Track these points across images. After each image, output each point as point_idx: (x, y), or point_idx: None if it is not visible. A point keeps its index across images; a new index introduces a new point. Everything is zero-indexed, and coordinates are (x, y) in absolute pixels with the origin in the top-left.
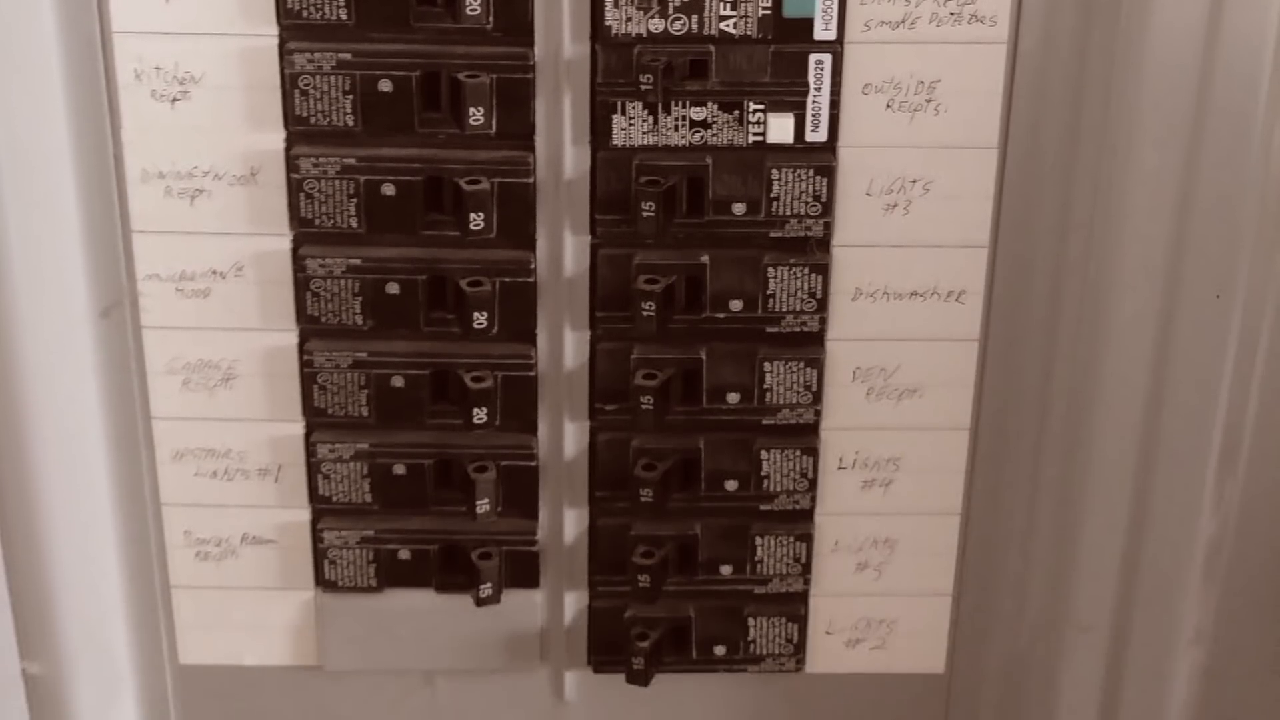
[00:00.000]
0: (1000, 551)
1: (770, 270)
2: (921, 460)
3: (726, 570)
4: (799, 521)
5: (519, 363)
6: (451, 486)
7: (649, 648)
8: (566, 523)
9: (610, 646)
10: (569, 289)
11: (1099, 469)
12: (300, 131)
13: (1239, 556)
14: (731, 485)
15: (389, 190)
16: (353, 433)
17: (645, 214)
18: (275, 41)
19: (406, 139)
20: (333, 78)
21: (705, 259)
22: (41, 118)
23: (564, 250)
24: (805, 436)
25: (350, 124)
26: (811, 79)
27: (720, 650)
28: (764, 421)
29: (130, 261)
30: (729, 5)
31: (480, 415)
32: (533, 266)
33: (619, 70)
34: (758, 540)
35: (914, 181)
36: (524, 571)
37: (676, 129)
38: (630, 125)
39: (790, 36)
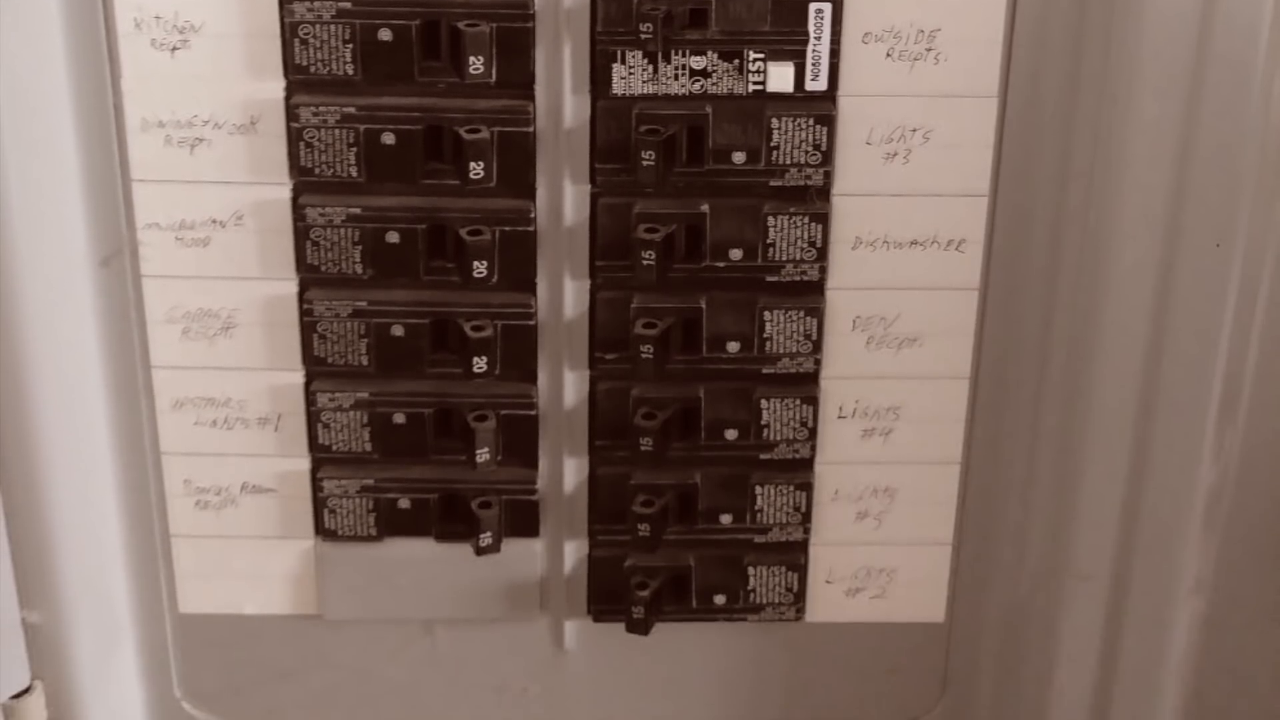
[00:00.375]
0: (1000, 500)
1: (770, 219)
2: (921, 409)
3: (726, 519)
4: (799, 470)
5: (519, 312)
6: (451, 435)
7: (649, 597)
8: (566, 472)
9: (610, 595)
10: (569, 238)
11: (1099, 418)
12: (300, 80)
13: (1239, 505)
14: (731, 434)
15: (389, 139)
16: (353, 382)
17: (645, 163)
18: None
19: (406, 88)
20: (333, 26)
21: (705, 208)
22: (42, 67)
23: (564, 199)
24: (805, 385)
25: (350, 73)
26: (811, 28)
27: (720, 599)
28: (764, 370)
29: (130, 210)
30: None
31: (480, 364)
32: (532, 215)
33: (619, 19)
34: (758, 489)
35: (914, 130)
36: (524, 520)
37: (676, 78)
38: (630, 74)
39: None
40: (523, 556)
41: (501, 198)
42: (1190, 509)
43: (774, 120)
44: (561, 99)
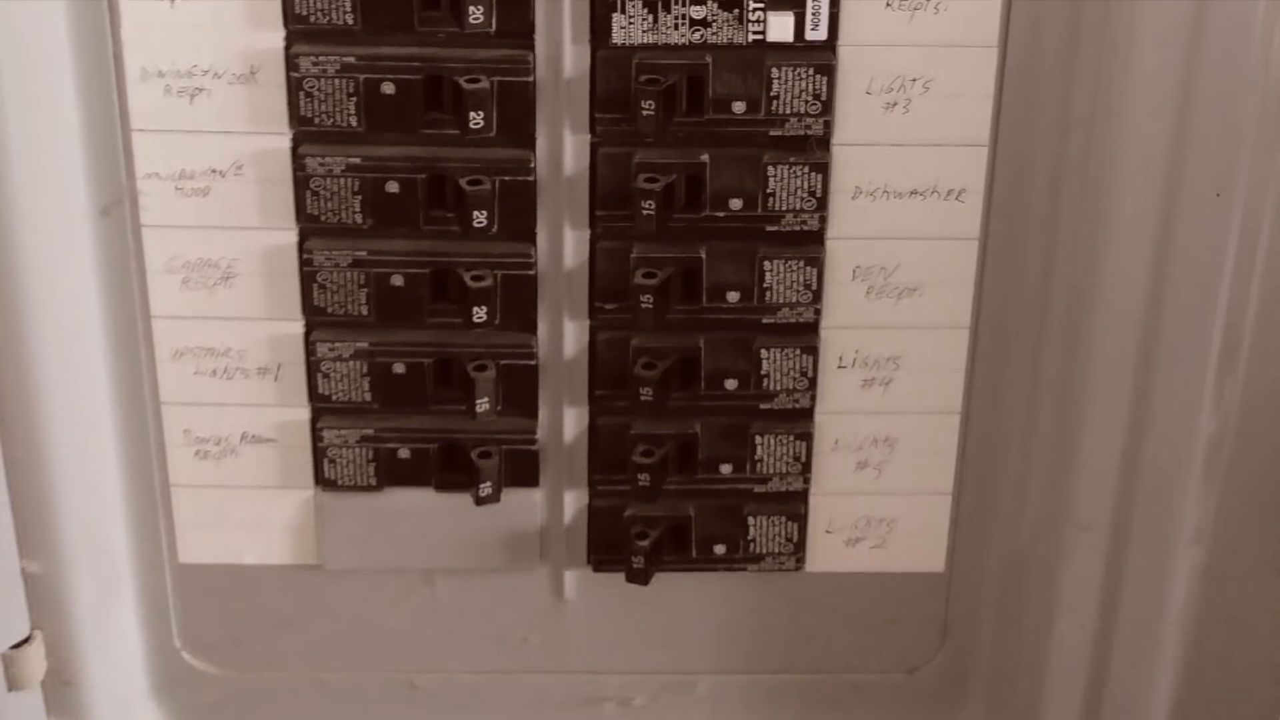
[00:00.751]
0: (1000, 450)
1: (770, 169)
2: (921, 359)
3: (726, 469)
4: (799, 420)
5: (518, 261)
6: (451, 385)
7: (649, 547)
8: (566, 421)
9: (610, 545)
10: (569, 188)
11: (1099, 368)
12: (300, 30)
13: (1239, 456)
14: (731, 384)
15: (389, 89)
16: (352, 331)
17: (645, 113)
18: None
19: (406, 37)
20: None
21: (705, 158)
22: (41, 16)
23: (564, 149)
24: (805, 335)
25: (349, 22)
26: None
27: (720, 549)
28: (764, 320)
29: (130, 160)
30: None
31: (480, 314)
32: (532, 165)
33: None
34: (757, 439)
35: (914, 80)
36: (524, 470)
37: (676, 27)
38: (630, 24)
39: None
40: (522, 506)
41: (501, 147)
42: (1190, 459)
43: (774, 70)
44: (561, 48)
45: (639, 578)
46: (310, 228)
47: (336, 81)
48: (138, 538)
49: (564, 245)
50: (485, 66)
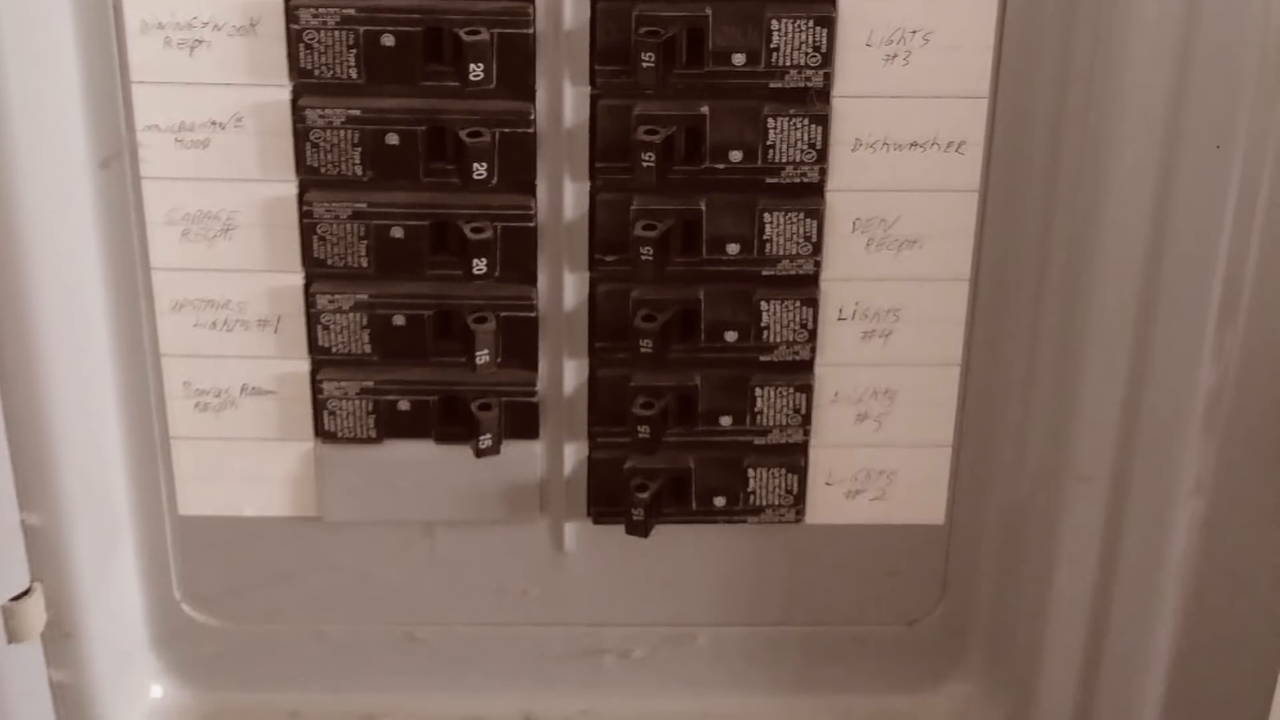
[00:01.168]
0: (1000, 402)
1: (770, 121)
2: (921, 311)
3: (726, 421)
4: (799, 372)
5: (518, 214)
6: (451, 337)
7: (648, 499)
8: (566, 374)
9: (610, 498)
10: (569, 140)
11: (1099, 319)
12: None
13: (1239, 407)
14: (731, 336)
15: (388, 41)
16: (352, 283)
17: (645, 65)
18: None
19: None
20: None
21: (705, 110)
22: None
23: (564, 101)
24: (805, 287)
25: None
26: None
27: (720, 501)
28: (764, 273)
29: (129, 112)
30: None
31: (480, 266)
32: (532, 117)
33: None
34: (757, 391)
35: (914, 32)
36: (523, 422)
37: None
38: None
39: None
40: (522, 458)
41: (501, 99)
42: (1190, 410)
43: (774, 22)
44: (561, 0)
45: (639, 530)
46: (310, 180)
47: (336, 33)
48: (137, 490)
49: (564, 197)
50: (485, 18)
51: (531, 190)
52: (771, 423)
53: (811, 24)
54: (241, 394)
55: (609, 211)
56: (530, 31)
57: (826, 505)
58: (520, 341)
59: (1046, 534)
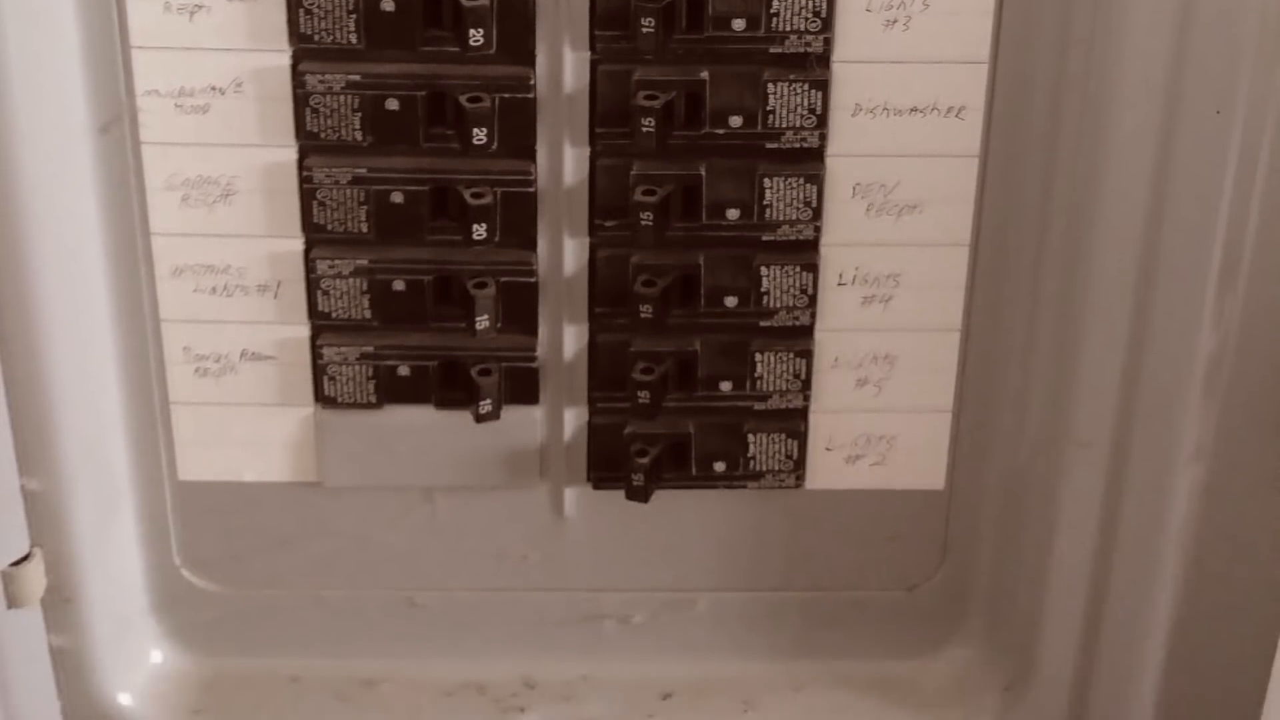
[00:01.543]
0: (1000, 367)
1: (770, 86)
2: (921, 276)
3: (726, 387)
4: (799, 338)
5: (518, 179)
6: (451, 303)
7: (648, 464)
8: (566, 339)
9: (610, 463)
10: (569, 104)
11: (1099, 284)
12: None
13: (1239, 373)
14: (731, 302)
15: (388, 5)
16: (352, 249)
17: (644, 30)
18: None
19: None
20: None
21: (705, 75)
22: None
23: (563, 66)
24: (805, 252)
25: None
26: None
27: (720, 467)
28: (763, 238)
29: (129, 77)
30: None
31: (480, 231)
32: (532, 82)
33: None
34: (757, 356)
35: None
36: (523, 388)
37: None
38: None
39: None
40: (522, 424)
41: (501, 64)
42: (1190, 376)
43: None
44: None
45: (639, 495)
46: (310, 145)
47: None
48: (137, 455)
49: (564, 162)
50: None
51: (531, 155)
52: (771, 388)
53: None
54: (241, 359)
55: (609, 177)
56: None
57: (826, 470)
58: (520, 307)
59: (1046, 500)
